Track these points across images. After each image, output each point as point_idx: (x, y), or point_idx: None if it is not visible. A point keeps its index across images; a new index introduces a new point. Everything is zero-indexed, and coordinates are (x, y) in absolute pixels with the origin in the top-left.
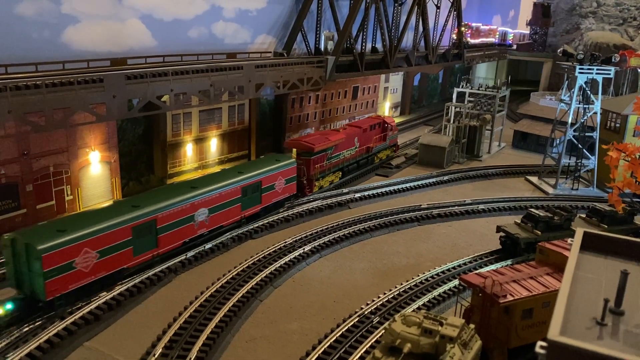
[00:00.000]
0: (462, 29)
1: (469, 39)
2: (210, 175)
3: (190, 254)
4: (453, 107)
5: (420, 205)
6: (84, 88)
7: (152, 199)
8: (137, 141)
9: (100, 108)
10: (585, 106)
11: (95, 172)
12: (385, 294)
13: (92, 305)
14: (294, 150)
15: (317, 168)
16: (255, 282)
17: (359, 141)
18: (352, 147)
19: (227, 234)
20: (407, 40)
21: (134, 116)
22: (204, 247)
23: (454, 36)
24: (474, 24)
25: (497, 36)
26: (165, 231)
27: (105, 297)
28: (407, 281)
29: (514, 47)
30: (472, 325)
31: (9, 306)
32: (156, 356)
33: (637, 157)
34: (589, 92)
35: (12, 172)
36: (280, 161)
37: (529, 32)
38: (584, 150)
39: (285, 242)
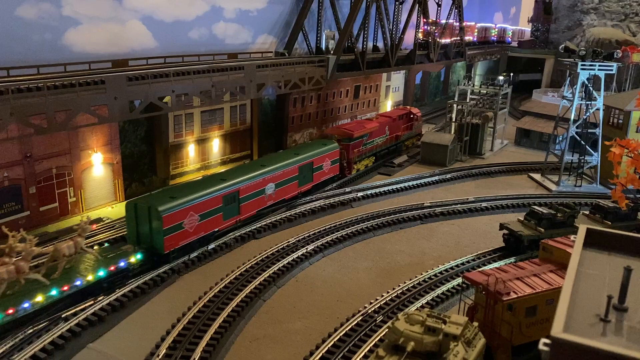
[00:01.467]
0: (431, 27)
1: (437, 39)
2: (273, 155)
3: (193, 254)
4: (455, 105)
5: (423, 203)
6: (86, 90)
7: (235, 174)
8: (140, 142)
9: (102, 110)
10: (587, 102)
11: (97, 173)
12: (388, 292)
13: (96, 307)
14: (334, 136)
15: (355, 152)
16: (258, 282)
17: (389, 129)
18: (383, 134)
19: (231, 234)
20: (409, 38)
21: (135, 117)
22: (207, 247)
23: (420, 35)
24: (443, 21)
25: (475, 33)
26: (245, 201)
27: (108, 298)
28: (410, 280)
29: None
30: (475, 323)
31: (139, 256)
32: (160, 357)
33: None
34: (591, 88)
35: (15, 175)
36: (326, 145)
37: (513, 26)
38: (587, 146)
39: (288, 241)
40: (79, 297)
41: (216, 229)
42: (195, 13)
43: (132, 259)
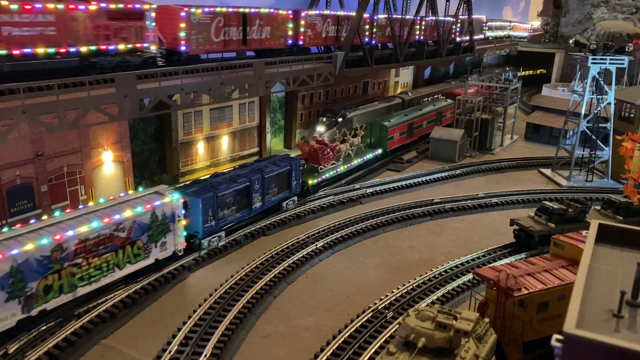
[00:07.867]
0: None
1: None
2: (424, 104)
3: (203, 252)
4: (464, 100)
5: (433, 199)
6: (96, 88)
7: (409, 113)
8: (149, 140)
9: (112, 108)
10: (598, 97)
11: (108, 171)
12: (398, 288)
13: (109, 304)
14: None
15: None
16: (268, 279)
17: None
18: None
19: (240, 230)
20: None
21: (145, 116)
22: (217, 244)
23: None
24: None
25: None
26: (415, 129)
27: (121, 295)
28: (420, 276)
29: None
30: (486, 319)
31: (380, 150)
32: (172, 353)
33: None
34: (602, 82)
35: (27, 173)
36: (447, 101)
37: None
38: (598, 141)
39: (298, 238)
40: (363, 167)
41: (404, 144)
42: None
43: (380, 151)
